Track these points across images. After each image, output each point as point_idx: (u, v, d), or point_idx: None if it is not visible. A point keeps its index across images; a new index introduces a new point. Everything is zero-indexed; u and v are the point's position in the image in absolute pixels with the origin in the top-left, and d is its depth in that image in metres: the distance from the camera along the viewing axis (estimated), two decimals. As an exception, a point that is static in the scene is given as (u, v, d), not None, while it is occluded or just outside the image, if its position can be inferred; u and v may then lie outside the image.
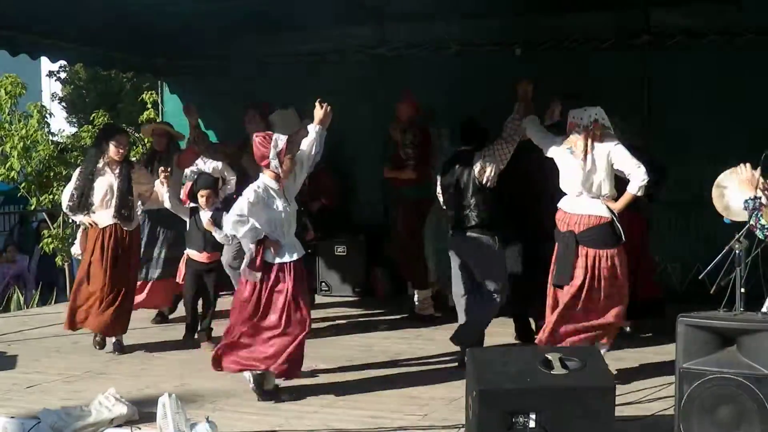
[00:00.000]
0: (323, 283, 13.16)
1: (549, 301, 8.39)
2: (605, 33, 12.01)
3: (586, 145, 8.19)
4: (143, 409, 7.23)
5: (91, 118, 19.98)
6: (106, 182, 9.64)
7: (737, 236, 6.58)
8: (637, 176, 8.08)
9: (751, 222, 6.54)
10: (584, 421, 6.32)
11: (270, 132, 8.15)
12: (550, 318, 8.28)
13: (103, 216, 9.67)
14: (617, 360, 8.77)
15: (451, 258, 9.16)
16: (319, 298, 12.58)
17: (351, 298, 12.90)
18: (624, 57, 12.03)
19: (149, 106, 19.09)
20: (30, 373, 9.05)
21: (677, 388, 6.16)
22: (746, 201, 6.63)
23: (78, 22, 11.54)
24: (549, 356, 6.59)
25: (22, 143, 17.17)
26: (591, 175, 8.19)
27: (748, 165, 6.78)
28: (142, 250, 10.55)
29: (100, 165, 9.69)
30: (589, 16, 12.03)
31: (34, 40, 12.04)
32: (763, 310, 6.64)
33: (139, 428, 7.02)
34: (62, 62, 20.06)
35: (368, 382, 8.45)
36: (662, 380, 7.96)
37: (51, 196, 17.54)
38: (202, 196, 9.65)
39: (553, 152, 8.47)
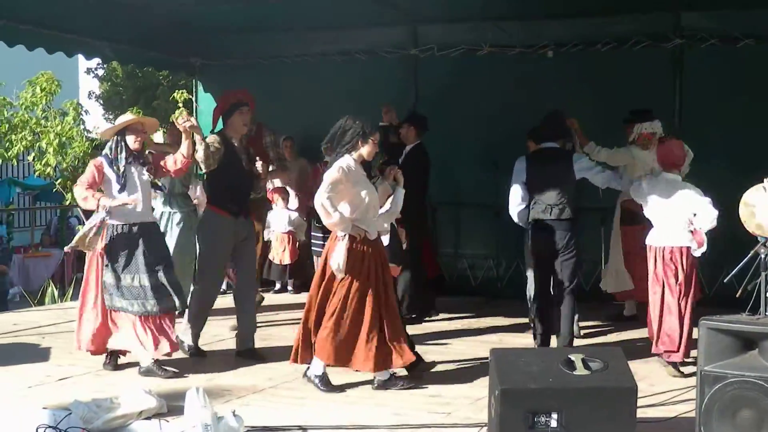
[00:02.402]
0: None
1: None
2: (637, 36, 11.99)
3: None
4: (171, 403, 7.31)
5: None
6: None
7: (763, 241, 6.62)
8: None
9: None
10: (606, 422, 6.34)
11: None
12: None
13: None
14: (644, 362, 8.83)
15: None
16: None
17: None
18: (655, 60, 12.01)
19: (180, 105, 19.24)
20: (62, 365, 9.14)
21: (698, 391, 6.19)
22: None
23: (113, 20, 11.66)
24: (572, 357, 6.62)
25: (57, 140, 17.33)
26: None
27: None
28: None
29: None
30: (620, 19, 12.04)
31: (70, 38, 12.17)
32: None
33: (167, 421, 7.07)
34: (98, 59, 20.23)
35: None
36: (687, 382, 8.00)
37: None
38: None
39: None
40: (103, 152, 8.90)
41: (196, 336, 9.49)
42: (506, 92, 12.49)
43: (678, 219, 8.58)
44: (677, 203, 8.59)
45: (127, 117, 9.01)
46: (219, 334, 10.35)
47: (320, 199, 7.83)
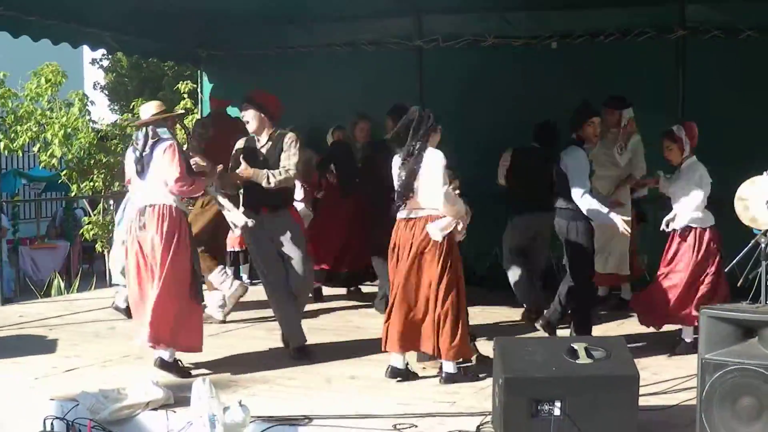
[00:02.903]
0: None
1: None
2: (640, 27, 12.02)
3: None
4: (178, 394, 7.35)
5: (132, 106, 20.18)
6: None
7: (763, 230, 6.67)
8: None
9: None
10: (608, 410, 6.41)
11: None
12: None
13: None
14: (648, 350, 8.88)
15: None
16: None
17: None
18: (658, 52, 12.04)
19: (185, 96, 19.26)
20: (69, 357, 9.20)
21: (699, 379, 6.23)
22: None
23: (118, 11, 11.70)
24: (575, 345, 6.69)
25: (63, 131, 17.36)
26: None
27: None
28: None
29: None
30: (624, 10, 12.07)
31: (76, 29, 12.23)
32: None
33: (174, 412, 7.13)
34: (101, 50, 20.27)
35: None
36: (689, 371, 8.03)
37: (91, 184, 17.73)
38: None
39: None
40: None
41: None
42: (511, 83, 12.51)
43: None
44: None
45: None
46: (225, 325, 10.43)
47: (445, 190, 7.96)
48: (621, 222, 8.86)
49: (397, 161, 8.24)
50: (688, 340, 8.95)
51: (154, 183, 8.28)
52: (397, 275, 8.15)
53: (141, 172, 8.33)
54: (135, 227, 8.33)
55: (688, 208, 9.04)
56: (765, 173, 6.91)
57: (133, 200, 8.86)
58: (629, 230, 9.03)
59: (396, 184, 8.19)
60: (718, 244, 9.02)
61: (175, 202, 8.30)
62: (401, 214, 8.19)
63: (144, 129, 8.35)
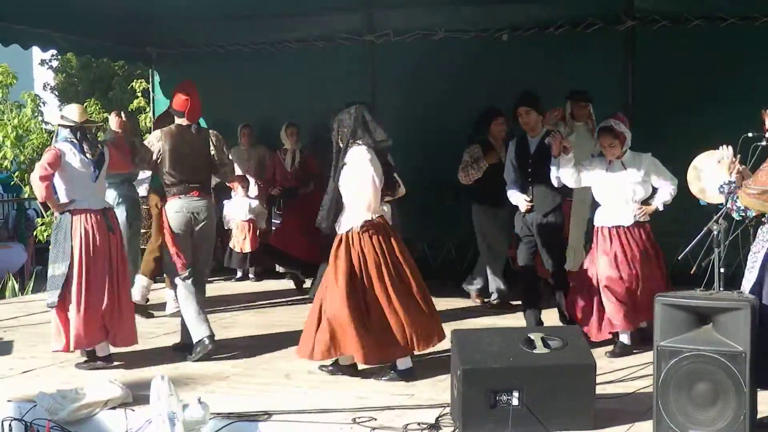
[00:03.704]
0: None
1: None
2: (589, 18, 12.11)
3: None
4: (137, 392, 7.33)
5: (85, 106, 20.04)
6: None
7: (715, 218, 6.74)
8: None
9: (728, 205, 6.70)
10: (566, 398, 6.48)
11: None
12: None
13: None
14: (604, 340, 8.97)
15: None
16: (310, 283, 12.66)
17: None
18: (607, 42, 12.14)
19: (139, 94, 19.20)
20: (26, 358, 9.16)
21: (655, 366, 6.29)
22: (721, 186, 6.80)
23: (69, 11, 11.62)
24: (531, 336, 6.75)
25: (15, 132, 17.27)
26: None
27: (729, 147, 6.90)
28: None
29: None
30: (573, 1, 12.14)
31: (26, 30, 12.13)
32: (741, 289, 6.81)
33: (133, 410, 7.12)
34: (52, 51, 20.15)
35: (356, 364, 8.56)
36: (644, 359, 8.13)
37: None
38: None
39: None
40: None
41: None
42: (463, 76, 12.55)
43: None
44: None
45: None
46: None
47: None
48: (523, 202, 9.28)
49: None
50: (626, 342, 8.85)
51: None
52: None
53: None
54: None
55: (661, 198, 8.89)
56: (722, 147, 6.93)
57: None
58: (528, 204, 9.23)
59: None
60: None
61: None
62: None
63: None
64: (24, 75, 23.24)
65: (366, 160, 7.97)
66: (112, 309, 8.72)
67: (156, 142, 9.12)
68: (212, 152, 9.28)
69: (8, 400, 7.49)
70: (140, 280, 10.98)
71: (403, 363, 8.04)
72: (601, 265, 8.74)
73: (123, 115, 9.80)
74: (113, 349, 8.84)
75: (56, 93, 33.63)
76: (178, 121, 9.26)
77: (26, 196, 18.79)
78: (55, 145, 8.95)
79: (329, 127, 8.33)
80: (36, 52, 24.91)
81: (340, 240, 8.07)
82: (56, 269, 8.69)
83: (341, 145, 8.12)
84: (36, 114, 18.18)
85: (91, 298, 8.61)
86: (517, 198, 9.44)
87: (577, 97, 10.65)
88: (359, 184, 7.94)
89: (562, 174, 8.95)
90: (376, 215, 8.05)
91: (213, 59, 13.95)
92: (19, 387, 7.97)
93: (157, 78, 14.87)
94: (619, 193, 8.80)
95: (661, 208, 8.87)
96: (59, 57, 31.21)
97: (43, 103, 19.50)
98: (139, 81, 19.45)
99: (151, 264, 10.95)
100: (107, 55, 15.42)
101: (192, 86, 9.39)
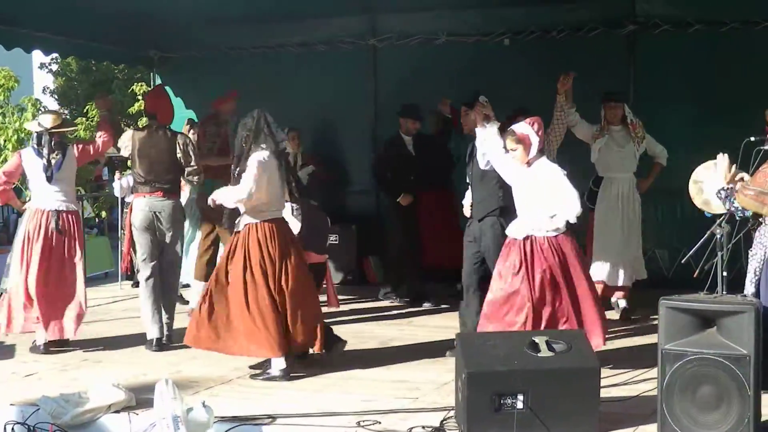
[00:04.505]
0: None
1: None
2: (591, 23, 12.13)
3: None
4: (140, 396, 7.33)
5: (85, 110, 20.08)
6: None
7: (718, 221, 6.75)
8: None
9: (727, 207, 6.72)
10: (570, 402, 6.47)
11: None
12: None
13: None
14: (607, 343, 8.97)
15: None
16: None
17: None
18: (609, 47, 12.15)
19: (140, 97, 19.19)
20: (28, 362, 9.16)
21: (659, 369, 6.29)
22: (719, 192, 6.83)
23: (71, 14, 11.62)
24: (536, 339, 6.75)
25: (16, 135, 17.27)
26: None
27: (725, 156, 6.91)
28: None
29: None
30: (575, 6, 12.18)
31: (28, 33, 12.13)
32: (745, 292, 6.83)
33: (137, 414, 7.10)
34: (54, 54, 20.15)
35: (360, 367, 8.59)
36: (649, 362, 8.11)
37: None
38: None
39: None
40: None
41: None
42: (464, 80, 12.53)
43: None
44: None
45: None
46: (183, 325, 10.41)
47: None
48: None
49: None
50: None
51: None
52: None
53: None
54: None
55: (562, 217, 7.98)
56: (719, 155, 6.95)
57: None
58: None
59: None
60: None
61: None
62: None
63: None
64: (24, 79, 23.19)
65: (259, 163, 8.18)
66: (48, 302, 9.41)
67: (127, 141, 9.76)
68: (178, 155, 9.67)
69: (11, 404, 7.47)
70: (196, 285, 11.12)
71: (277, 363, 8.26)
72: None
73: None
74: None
75: (56, 97, 33.61)
76: (149, 122, 9.99)
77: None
78: (21, 150, 10.13)
79: None
80: (35, 55, 24.89)
81: (235, 237, 8.40)
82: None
83: (244, 148, 8.30)
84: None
85: (26, 288, 9.45)
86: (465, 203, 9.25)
87: (605, 96, 10.46)
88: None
89: (487, 150, 8.42)
90: (264, 218, 8.30)
91: (215, 63, 13.96)
92: (21, 391, 7.97)
93: (158, 81, 14.87)
94: (527, 201, 8.09)
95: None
96: (59, 60, 31.17)
97: (44, 107, 19.45)
98: (140, 84, 19.45)
99: (204, 268, 10.97)
100: (109, 58, 15.41)
101: (163, 90, 10.22)
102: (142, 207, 9.60)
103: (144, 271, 9.59)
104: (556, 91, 9.73)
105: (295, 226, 8.74)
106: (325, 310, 8.93)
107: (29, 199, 10.03)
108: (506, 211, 8.55)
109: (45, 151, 9.44)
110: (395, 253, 12.02)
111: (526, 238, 7.97)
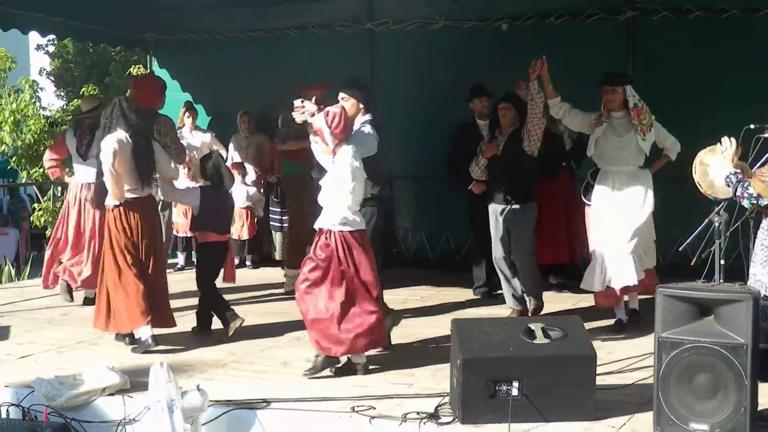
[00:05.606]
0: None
1: None
2: (590, 8, 12.09)
3: None
4: (135, 379, 7.33)
5: (82, 92, 20.05)
6: None
7: (716, 209, 6.73)
8: None
9: (738, 193, 6.65)
10: (565, 389, 6.47)
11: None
12: None
13: None
14: (602, 330, 8.97)
15: None
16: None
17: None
18: (608, 33, 12.11)
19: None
20: (23, 343, 9.16)
21: (656, 357, 6.26)
22: (728, 176, 6.76)
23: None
24: (531, 326, 6.74)
25: (12, 117, 17.26)
26: None
27: (732, 139, 6.86)
28: None
29: None
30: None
31: (25, 14, 12.08)
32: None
33: (131, 397, 7.11)
34: (51, 36, 20.12)
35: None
36: (646, 350, 8.10)
37: (41, 170, 17.63)
38: None
39: None
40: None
41: None
42: (461, 65, 12.53)
43: None
44: None
45: None
46: (179, 311, 10.38)
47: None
48: None
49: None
50: None
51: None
52: None
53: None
54: None
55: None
56: (725, 139, 6.90)
57: None
58: None
59: None
60: None
61: None
62: None
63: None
64: (20, 60, 23.18)
65: (112, 144, 8.79)
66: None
67: None
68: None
69: (5, 386, 7.48)
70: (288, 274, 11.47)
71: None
72: None
73: None
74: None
75: (52, 78, 33.59)
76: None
77: (23, 181, 18.77)
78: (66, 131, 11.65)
79: None
80: (32, 37, 24.84)
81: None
82: None
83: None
84: (34, 99, 18.15)
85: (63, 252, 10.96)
86: None
87: (601, 80, 9.48)
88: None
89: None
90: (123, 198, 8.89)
91: (212, 46, 13.93)
92: (16, 372, 7.97)
93: (155, 64, 14.83)
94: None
95: None
96: (56, 42, 31.15)
97: (41, 88, 19.47)
98: (137, 67, 19.41)
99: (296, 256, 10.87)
100: (106, 40, 15.37)
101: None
102: None
103: None
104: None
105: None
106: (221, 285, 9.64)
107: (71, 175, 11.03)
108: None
109: (78, 133, 10.83)
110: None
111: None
